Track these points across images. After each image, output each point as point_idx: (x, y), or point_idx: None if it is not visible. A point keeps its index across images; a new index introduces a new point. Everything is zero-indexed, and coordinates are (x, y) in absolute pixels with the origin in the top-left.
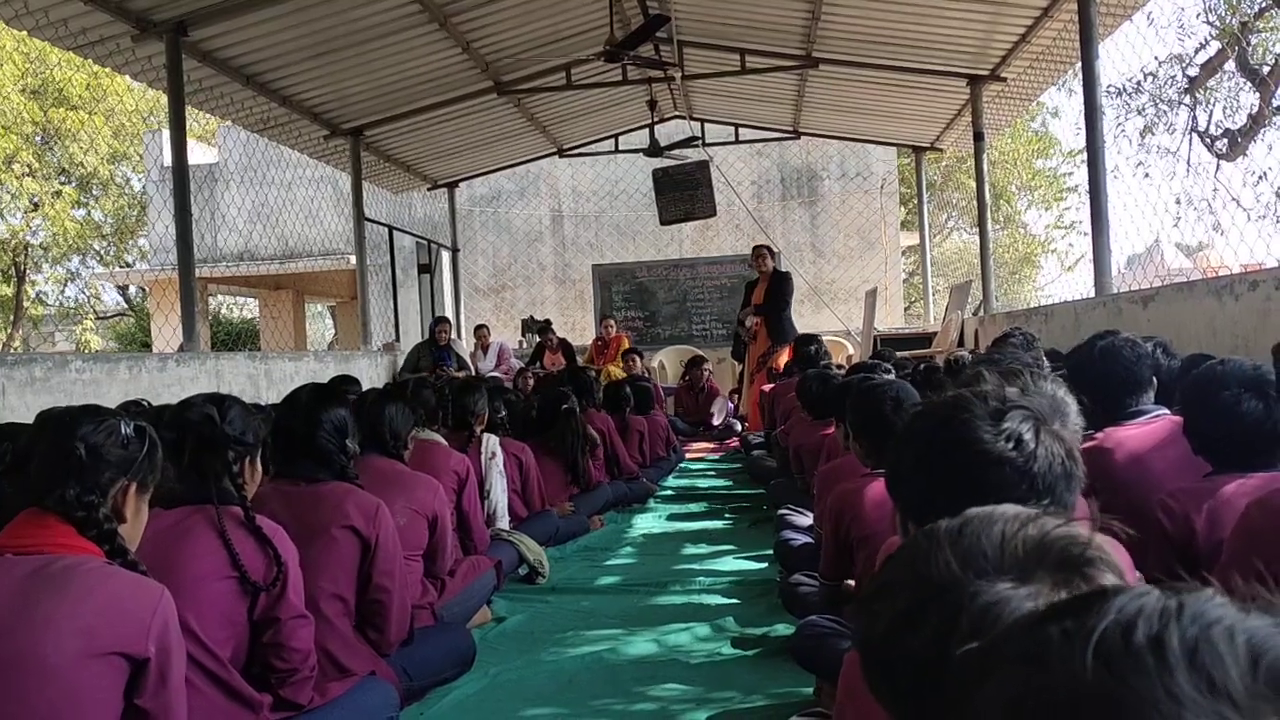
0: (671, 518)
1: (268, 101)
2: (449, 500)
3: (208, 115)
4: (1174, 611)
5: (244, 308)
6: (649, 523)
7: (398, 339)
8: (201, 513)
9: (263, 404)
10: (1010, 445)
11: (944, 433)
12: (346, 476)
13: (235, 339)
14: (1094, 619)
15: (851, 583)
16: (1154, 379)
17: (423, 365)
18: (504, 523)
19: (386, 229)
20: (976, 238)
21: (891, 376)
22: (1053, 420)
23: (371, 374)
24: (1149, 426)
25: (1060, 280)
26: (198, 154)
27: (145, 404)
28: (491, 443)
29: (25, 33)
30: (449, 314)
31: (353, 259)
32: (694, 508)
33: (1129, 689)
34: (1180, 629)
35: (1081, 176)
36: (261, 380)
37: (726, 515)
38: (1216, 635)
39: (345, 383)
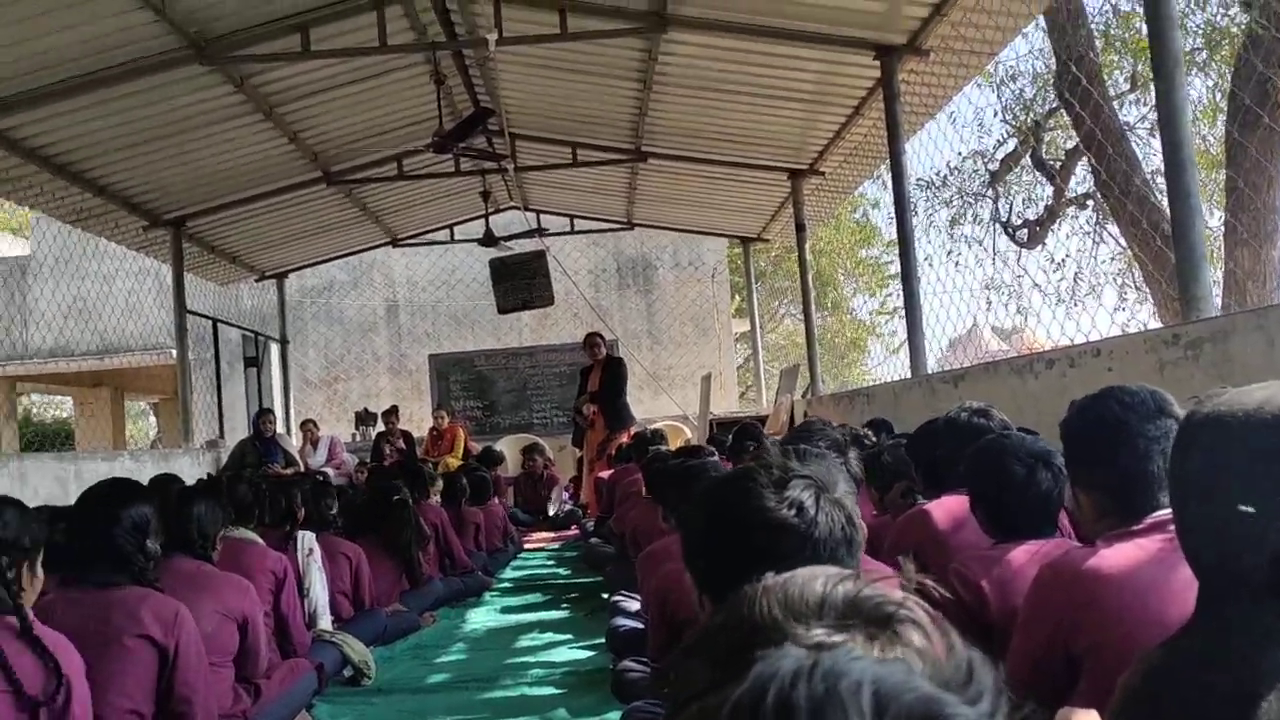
0: (507, 610)
1: (81, 191)
2: (264, 602)
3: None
4: (806, 671)
5: (59, 407)
6: (483, 617)
7: (222, 435)
8: None
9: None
10: (792, 512)
11: (729, 501)
12: (145, 579)
13: (47, 440)
14: (732, 688)
15: None
16: None
17: (248, 462)
18: (325, 622)
19: (211, 322)
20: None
21: (715, 458)
22: (833, 488)
23: (194, 473)
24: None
25: (886, 363)
26: (6, 245)
27: None
28: (308, 539)
29: None
30: (278, 408)
31: (175, 353)
32: (530, 599)
33: None
34: (809, 687)
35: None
36: (71, 483)
37: (563, 605)
38: (844, 689)
39: (170, 481)
